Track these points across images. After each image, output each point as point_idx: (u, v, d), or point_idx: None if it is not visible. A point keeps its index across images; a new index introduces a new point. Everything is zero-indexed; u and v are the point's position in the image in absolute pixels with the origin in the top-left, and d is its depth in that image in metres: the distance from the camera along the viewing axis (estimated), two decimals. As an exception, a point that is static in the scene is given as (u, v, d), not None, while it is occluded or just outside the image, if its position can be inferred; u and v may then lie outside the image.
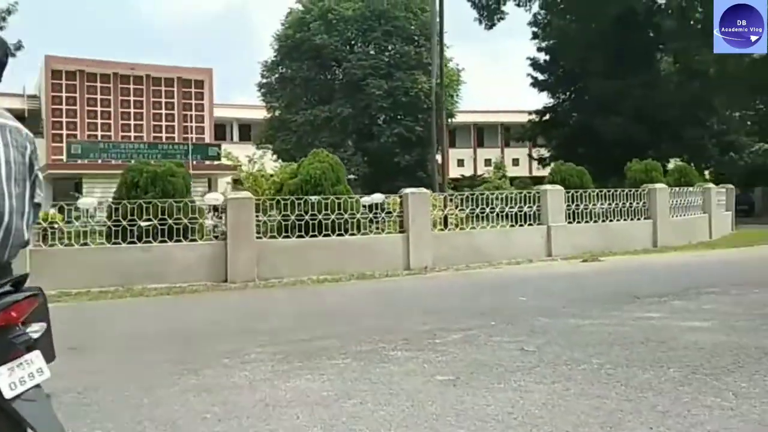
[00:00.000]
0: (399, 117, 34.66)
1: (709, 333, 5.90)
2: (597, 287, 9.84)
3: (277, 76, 37.76)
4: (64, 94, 36.79)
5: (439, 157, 25.90)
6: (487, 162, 44.77)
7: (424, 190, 13.33)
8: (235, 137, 45.68)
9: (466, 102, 36.61)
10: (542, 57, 35.34)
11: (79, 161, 31.32)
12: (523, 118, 38.54)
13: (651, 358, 5.02)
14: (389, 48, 35.14)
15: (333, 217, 12.34)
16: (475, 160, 46.42)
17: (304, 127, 34.52)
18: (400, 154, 33.31)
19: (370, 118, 34.94)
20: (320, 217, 12.30)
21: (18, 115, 31.04)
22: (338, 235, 12.36)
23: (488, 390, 4.33)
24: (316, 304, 9.35)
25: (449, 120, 35.97)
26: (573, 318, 6.91)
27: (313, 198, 12.40)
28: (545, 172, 40.25)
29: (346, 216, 12.46)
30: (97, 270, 11.34)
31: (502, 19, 32.19)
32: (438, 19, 23.19)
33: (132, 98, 38.99)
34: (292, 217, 12.24)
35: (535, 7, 33.85)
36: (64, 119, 36.59)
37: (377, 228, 13.29)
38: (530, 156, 39.10)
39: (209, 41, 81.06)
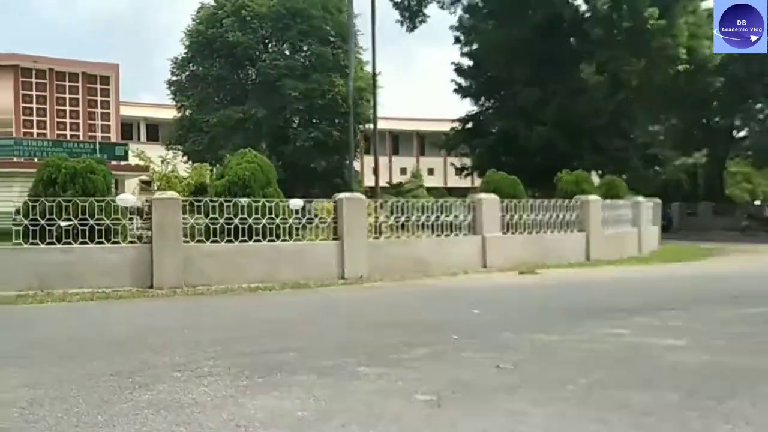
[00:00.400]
0: (315, 120, 34.25)
1: (689, 352, 5.88)
2: (546, 301, 9.87)
3: (187, 73, 36.45)
4: (-42, 86, 34.21)
5: (357, 164, 25.75)
6: (403, 170, 44.93)
7: (359, 195, 13.09)
8: (143, 137, 44.00)
9: (381, 108, 36.35)
10: (466, 62, 35.40)
11: (-23, 158, 29.22)
12: (439, 127, 38.70)
13: (639, 378, 4.93)
14: (305, 48, 34.62)
15: (264, 221, 11.97)
16: (390, 168, 46.59)
17: (217, 128, 33.48)
18: (317, 160, 32.85)
19: (285, 121, 34.34)
20: (250, 221, 11.90)
21: None
22: (269, 240, 11.98)
23: (478, 412, 4.16)
24: (256, 315, 9.00)
25: (365, 126, 35.88)
26: (538, 333, 6.86)
27: (243, 200, 11.98)
28: (463, 182, 41.08)
29: (277, 221, 12.10)
30: (12, 272, 10.64)
31: (424, 21, 32.43)
32: (354, 20, 22.96)
33: (34, 93, 36.83)
34: (221, 221, 11.79)
35: (459, 11, 34.07)
36: (-39, 114, 34.02)
37: (298, 234, 12.95)
38: (453, 165, 39.16)
39: (110, 39, 77.51)
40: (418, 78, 77.81)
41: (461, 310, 9.04)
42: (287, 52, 34.97)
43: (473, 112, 35.93)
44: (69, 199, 11.20)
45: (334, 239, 12.48)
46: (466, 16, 34.33)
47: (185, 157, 34.17)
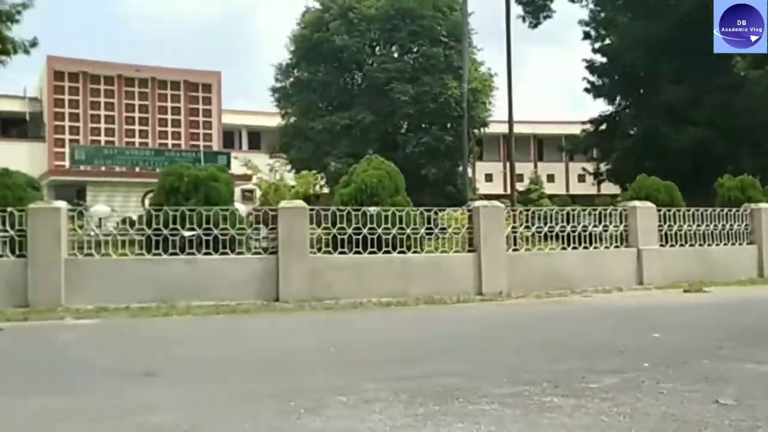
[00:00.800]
0: (425, 125, 34.06)
1: None
2: (730, 323, 9.09)
3: (292, 79, 37.12)
4: (66, 97, 36.60)
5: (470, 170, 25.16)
6: (519, 177, 43.73)
7: (497, 203, 12.63)
8: (244, 145, 45.17)
9: (494, 110, 35.72)
10: (599, 59, 34.11)
11: (83, 168, 30.96)
12: (560, 130, 37.39)
13: None
14: (415, 50, 34.51)
15: (394, 231, 11.74)
16: (505, 175, 45.50)
17: (322, 135, 33.79)
18: (427, 166, 32.48)
19: (394, 126, 34.31)
20: (380, 231, 11.70)
21: (18, 118, 30.71)
22: (400, 252, 11.74)
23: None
24: (399, 333, 8.73)
25: (481, 130, 35.41)
26: (743, 362, 6.19)
27: (372, 209, 11.82)
28: (587, 189, 39.64)
29: (408, 231, 11.86)
30: (135, 283, 10.86)
31: (549, 17, 31.64)
32: (468, 19, 22.38)
33: (137, 102, 38.77)
34: (349, 231, 11.66)
35: (591, 4, 33.03)
36: (66, 123, 36.37)
37: (430, 246, 12.64)
38: (585, 170, 37.76)
39: (208, 47, 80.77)
40: (533, 78, 76.44)
41: (634, 332, 8.42)
42: (395, 55, 34.98)
43: (607, 113, 34.51)
44: (192, 209, 11.38)
45: (469, 251, 12.10)
46: (598, 8, 33.22)
47: (288, 166, 34.75)
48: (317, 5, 36.10)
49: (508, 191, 41.20)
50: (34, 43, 17.38)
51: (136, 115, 38.84)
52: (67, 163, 32.52)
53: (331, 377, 5.83)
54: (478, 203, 12.42)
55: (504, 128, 42.69)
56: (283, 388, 5.42)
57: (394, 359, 6.63)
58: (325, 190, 32.31)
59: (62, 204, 11.27)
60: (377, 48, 35.65)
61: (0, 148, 31.83)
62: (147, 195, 30.02)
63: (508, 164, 45.98)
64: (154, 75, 39.36)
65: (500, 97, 32.73)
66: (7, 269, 10.60)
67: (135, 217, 15.10)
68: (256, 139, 45.97)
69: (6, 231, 10.70)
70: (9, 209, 10.78)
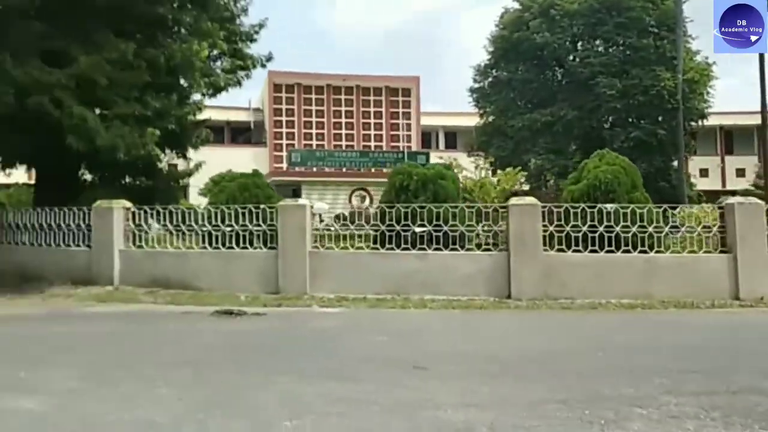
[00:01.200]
0: (632, 119, 32.18)
1: None
2: None
3: (490, 79, 36.89)
4: (283, 106, 39.37)
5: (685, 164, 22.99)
6: (739, 172, 39.76)
7: (755, 200, 11.19)
8: (441, 145, 45.61)
9: (712, 101, 32.83)
10: None
11: (298, 169, 32.62)
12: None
13: None
14: (621, 42, 32.70)
15: (634, 229, 10.82)
16: (723, 169, 41.61)
17: (522, 133, 33.26)
18: (637, 162, 30.35)
19: (598, 121, 32.79)
20: (618, 229, 10.83)
21: (244, 127, 33.01)
22: (641, 251, 10.80)
23: None
24: (662, 337, 7.91)
25: (698, 122, 32.92)
26: None
27: (609, 206, 10.99)
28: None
29: (650, 229, 10.87)
30: (370, 275, 11.04)
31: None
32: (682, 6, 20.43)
33: (343, 108, 40.68)
34: (584, 228, 10.91)
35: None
36: (283, 130, 39.13)
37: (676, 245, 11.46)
38: None
39: (397, 53, 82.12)
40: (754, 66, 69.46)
41: None
42: (600, 49, 33.43)
43: None
44: (423, 206, 11.31)
45: (721, 252, 10.85)
46: None
47: (487, 164, 34.40)
48: (516, 5, 35.59)
49: (727, 186, 37.71)
50: (269, 58, 18.19)
51: (343, 120, 40.66)
52: (284, 165, 34.58)
53: (616, 385, 5.28)
54: (732, 200, 11.07)
55: (721, 120, 39.35)
56: (570, 395, 4.99)
57: (677, 368, 5.88)
58: (525, 187, 31.57)
59: (306, 201, 11.77)
60: (579, 43, 34.39)
61: (230, 153, 34.90)
62: (353, 193, 31.38)
63: (725, 158, 42.37)
64: (359, 83, 41.01)
65: (719, 87, 29.99)
66: (261, 260, 11.38)
67: (347, 213, 15.50)
68: (452, 138, 46.30)
69: (259, 225, 11.48)
70: (262, 206, 11.55)
